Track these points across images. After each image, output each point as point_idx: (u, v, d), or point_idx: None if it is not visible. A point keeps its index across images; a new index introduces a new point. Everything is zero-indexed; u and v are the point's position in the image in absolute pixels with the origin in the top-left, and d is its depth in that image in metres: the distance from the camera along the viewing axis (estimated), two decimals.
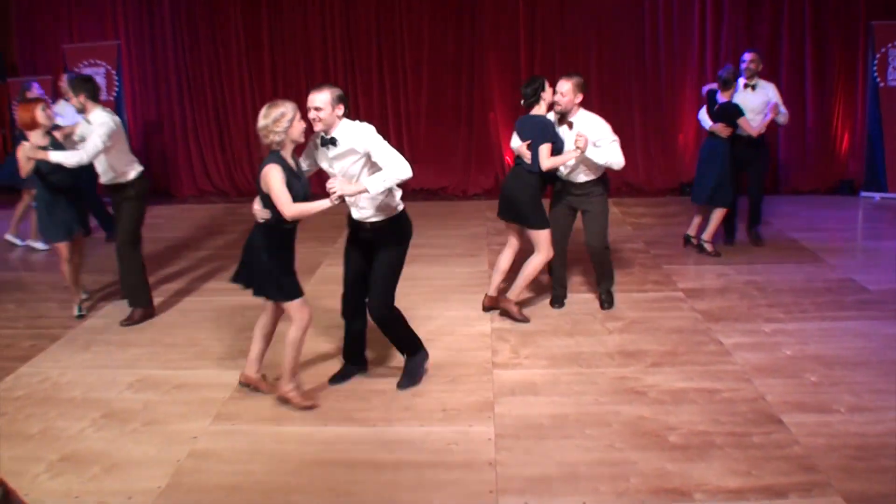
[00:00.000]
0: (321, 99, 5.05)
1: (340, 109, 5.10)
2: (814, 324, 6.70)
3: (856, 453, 4.65)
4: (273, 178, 4.92)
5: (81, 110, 6.95)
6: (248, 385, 5.66)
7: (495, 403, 5.42)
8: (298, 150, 5.28)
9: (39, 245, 9.91)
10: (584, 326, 6.79)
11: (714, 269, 8.25)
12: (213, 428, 5.20)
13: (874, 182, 11.65)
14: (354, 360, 5.92)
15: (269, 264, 5.16)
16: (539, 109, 6.69)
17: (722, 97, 8.32)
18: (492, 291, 7.17)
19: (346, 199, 5.08)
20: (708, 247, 8.77)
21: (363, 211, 5.33)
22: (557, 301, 7.28)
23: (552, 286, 7.32)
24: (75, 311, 7.38)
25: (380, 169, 5.03)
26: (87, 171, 7.04)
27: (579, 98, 6.64)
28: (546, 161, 6.54)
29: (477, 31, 12.53)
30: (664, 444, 4.82)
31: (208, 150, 13.33)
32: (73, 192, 7.17)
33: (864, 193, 11.75)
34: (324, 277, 8.23)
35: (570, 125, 6.68)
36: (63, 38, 13.28)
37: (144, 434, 5.16)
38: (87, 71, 12.68)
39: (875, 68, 11.49)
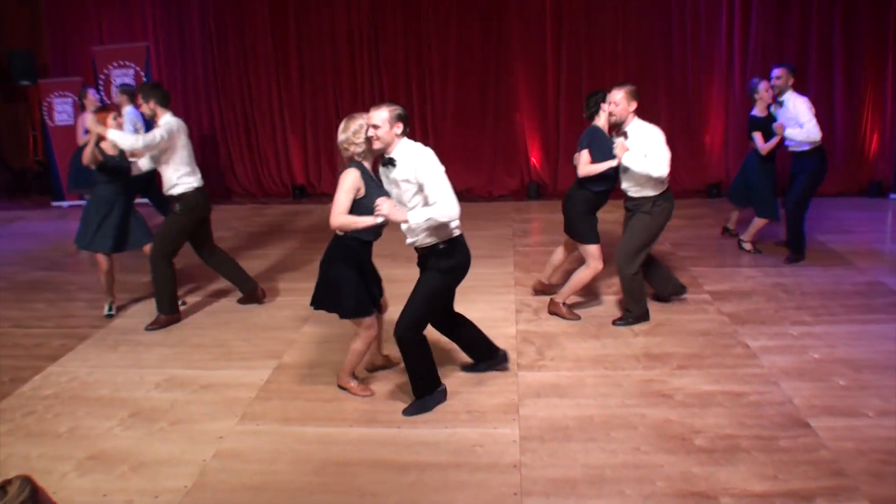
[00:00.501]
0: (379, 116, 4.99)
1: (399, 128, 5.02)
2: (842, 327, 6.64)
3: (885, 458, 4.60)
4: (347, 179, 5.04)
5: (152, 117, 6.99)
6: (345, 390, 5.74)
7: (520, 405, 5.41)
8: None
9: None
10: (610, 329, 6.76)
11: (741, 271, 8.20)
12: (239, 428, 5.23)
13: None
14: (482, 357, 5.93)
15: (334, 280, 5.24)
16: (599, 121, 6.71)
17: (754, 110, 8.33)
18: (544, 278, 7.52)
19: (403, 226, 5.10)
20: (747, 246, 8.82)
21: (410, 235, 5.20)
22: (662, 299, 7.29)
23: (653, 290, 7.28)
24: (105, 311, 7.46)
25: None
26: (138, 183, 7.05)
27: (633, 106, 6.48)
28: (582, 168, 6.56)
29: (503, 32, 12.52)
30: (690, 448, 4.80)
31: (236, 150, 13.41)
32: (125, 205, 7.22)
33: (893, 195, 11.65)
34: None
35: (625, 135, 6.52)
36: (93, 40, 13.44)
37: (171, 433, 5.20)
38: (116, 73, 12.82)
39: None
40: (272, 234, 10.61)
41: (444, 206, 4.92)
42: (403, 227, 5.13)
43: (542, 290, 7.60)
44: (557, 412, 5.29)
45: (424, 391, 5.43)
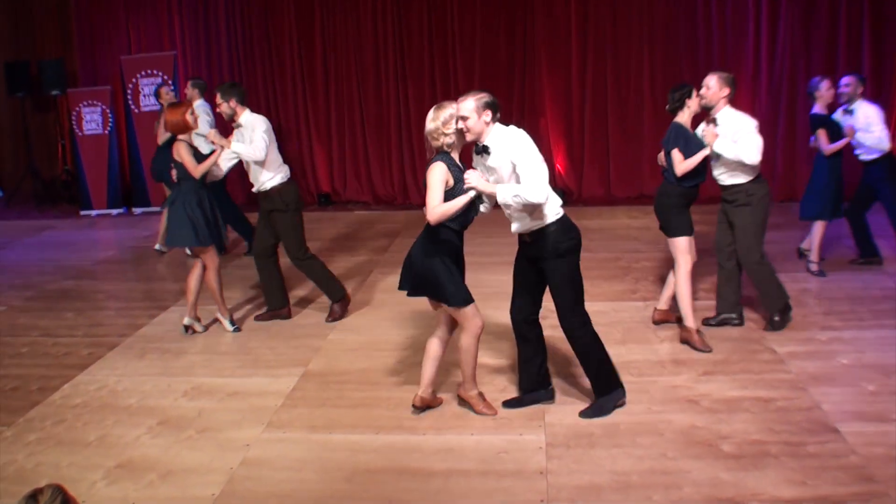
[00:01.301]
0: (466, 108, 4.90)
1: (488, 115, 4.92)
2: (871, 332, 6.58)
3: None
4: (435, 173, 4.91)
5: (232, 115, 7.03)
6: (423, 407, 5.48)
7: (546, 412, 5.40)
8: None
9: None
10: (636, 335, 6.74)
11: None
12: (266, 436, 5.26)
13: None
14: (529, 386, 5.58)
15: (432, 265, 5.07)
16: (682, 117, 6.52)
17: (815, 108, 8.14)
18: (661, 305, 7.02)
19: (505, 211, 5.07)
20: (813, 268, 8.31)
21: (515, 223, 5.14)
22: (718, 322, 6.89)
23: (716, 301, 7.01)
24: (228, 326, 7.29)
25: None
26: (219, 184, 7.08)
27: (725, 91, 6.39)
28: (679, 166, 6.40)
29: (528, 38, 12.52)
30: (718, 453, 4.77)
31: None
32: (212, 203, 7.15)
33: None
34: (373, 285, 8.27)
35: (714, 122, 6.45)
36: (122, 49, 13.61)
37: (199, 441, 5.23)
38: (144, 82, 12.96)
39: None
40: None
41: (532, 186, 4.82)
42: (507, 212, 5.08)
43: (662, 319, 6.99)
44: (583, 419, 5.27)
45: (603, 389, 5.37)
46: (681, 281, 6.53)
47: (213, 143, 6.99)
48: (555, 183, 12.71)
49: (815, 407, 5.28)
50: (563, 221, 5.10)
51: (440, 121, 4.95)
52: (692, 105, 6.48)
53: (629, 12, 12.17)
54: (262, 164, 7.02)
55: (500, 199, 4.91)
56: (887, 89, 11.75)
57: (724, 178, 6.55)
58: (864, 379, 5.68)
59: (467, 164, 5.13)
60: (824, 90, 8.03)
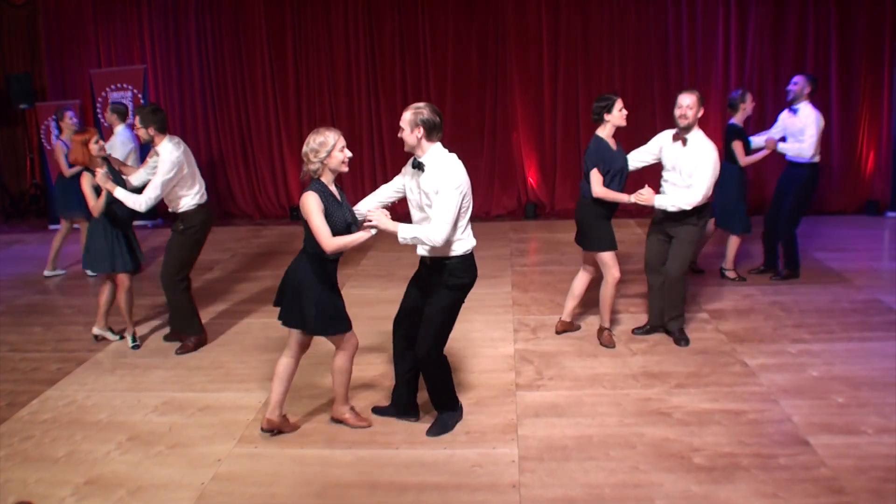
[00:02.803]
0: (403, 118, 4.99)
1: (420, 132, 4.95)
2: (840, 345, 6.65)
3: (884, 475, 4.60)
4: (310, 206, 4.84)
5: (149, 141, 6.85)
6: (272, 430, 5.41)
7: (519, 425, 5.40)
8: (395, 169, 5.14)
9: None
10: (608, 348, 6.76)
11: (739, 289, 8.20)
12: (238, 451, 5.22)
13: None
14: (400, 405, 5.61)
15: (318, 298, 5.03)
16: (602, 130, 6.53)
17: (733, 119, 8.25)
18: (565, 316, 7.15)
19: None
20: (730, 274, 8.62)
21: (422, 247, 5.12)
22: (643, 330, 7.10)
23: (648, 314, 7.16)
24: (130, 342, 7.27)
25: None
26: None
27: (701, 112, 6.48)
28: (597, 188, 6.47)
29: (500, 52, 12.58)
30: (689, 466, 4.79)
31: (233, 172, 13.42)
32: (129, 224, 7.12)
33: (890, 213, 11.69)
34: (345, 299, 8.24)
35: (684, 141, 6.50)
36: (91, 62, 13.51)
37: (169, 457, 5.18)
38: (114, 95, 12.86)
39: None
40: (270, 256, 10.60)
41: (435, 229, 4.87)
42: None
43: (564, 329, 7.20)
44: (556, 432, 5.28)
45: (446, 408, 5.41)
46: (609, 291, 6.80)
47: (99, 184, 6.82)
48: (527, 197, 12.78)
49: (786, 419, 5.32)
50: (466, 259, 5.13)
51: (310, 147, 4.93)
52: (612, 119, 6.48)
53: (600, 27, 12.27)
54: (178, 187, 6.89)
55: (400, 239, 4.94)
56: (854, 103, 11.91)
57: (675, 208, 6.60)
58: (834, 391, 5.73)
59: (392, 169, 5.16)
60: (748, 103, 8.22)
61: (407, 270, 5.34)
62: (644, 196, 6.39)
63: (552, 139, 12.64)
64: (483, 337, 7.09)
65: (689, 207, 6.40)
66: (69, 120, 9.58)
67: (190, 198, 6.94)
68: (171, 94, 13.37)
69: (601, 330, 6.92)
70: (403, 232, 4.91)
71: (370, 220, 4.92)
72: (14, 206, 14.18)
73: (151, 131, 6.77)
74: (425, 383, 5.39)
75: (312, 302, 5.01)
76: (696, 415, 5.45)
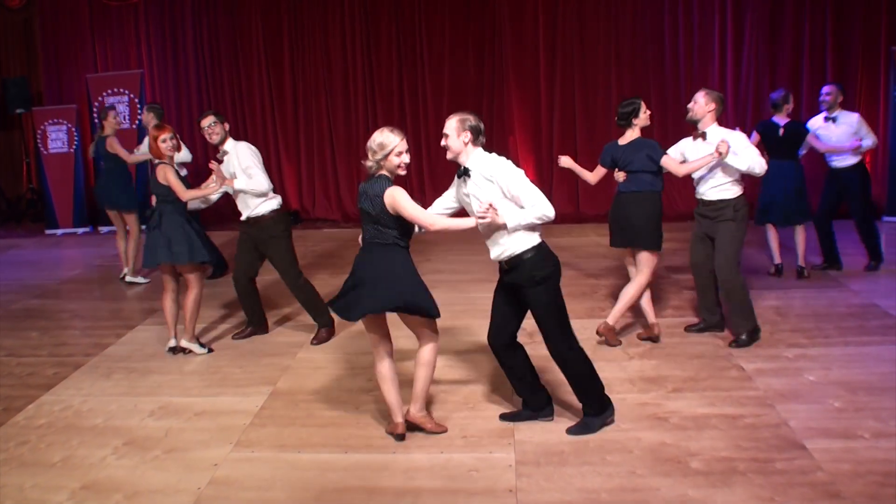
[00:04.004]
0: (449, 125, 5.05)
1: (467, 136, 5.02)
2: (837, 349, 6.64)
3: (881, 480, 4.59)
4: (402, 197, 4.88)
5: (222, 141, 7.10)
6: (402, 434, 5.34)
7: (515, 430, 5.39)
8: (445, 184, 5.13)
9: (140, 279, 9.72)
10: (605, 352, 6.75)
11: None
12: (234, 455, 5.21)
13: None
14: (528, 402, 5.55)
15: (412, 281, 5.05)
16: (631, 133, 6.69)
17: (778, 118, 8.46)
18: (612, 320, 6.97)
19: (485, 238, 5.09)
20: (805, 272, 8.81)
21: (493, 249, 5.12)
22: (697, 328, 7.16)
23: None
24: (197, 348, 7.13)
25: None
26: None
27: (712, 107, 6.57)
28: (681, 167, 6.59)
29: (497, 56, 12.61)
30: (686, 471, 4.79)
31: None
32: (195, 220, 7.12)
33: (886, 218, 11.69)
34: None
35: (704, 136, 6.60)
36: (88, 67, 13.54)
37: (166, 462, 5.17)
38: (110, 100, 12.86)
39: None
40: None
41: (535, 206, 4.88)
42: (486, 239, 5.11)
43: (607, 333, 6.94)
44: (553, 436, 5.28)
45: (593, 410, 5.35)
46: (637, 291, 6.77)
47: (217, 179, 6.88)
48: None
49: (783, 424, 5.31)
50: (540, 249, 5.07)
51: (373, 143, 4.99)
52: (639, 121, 6.66)
53: (597, 31, 12.31)
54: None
55: (510, 227, 4.89)
56: (851, 108, 11.87)
57: (713, 193, 6.66)
58: (831, 396, 5.73)
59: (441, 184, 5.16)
60: (790, 103, 8.51)
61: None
62: (721, 149, 6.39)
63: (549, 143, 12.67)
64: (480, 340, 7.06)
65: (758, 169, 6.50)
66: (112, 119, 9.73)
67: (267, 202, 7.26)
68: (167, 99, 13.39)
69: (609, 328, 6.85)
70: (511, 221, 4.88)
71: (483, 211, 4.86)
72: (10, 211, 14.18)
73: (226, 127, 7.16)
74: (571, 386, 5.37)
75: (408, 283, 5.02)
76: (693, 419, 5.45)
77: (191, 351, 7.06)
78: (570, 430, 5.31)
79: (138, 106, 12.81)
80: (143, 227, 7.62)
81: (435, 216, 5.02)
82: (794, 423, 5.30)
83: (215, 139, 7.07)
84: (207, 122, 7.06)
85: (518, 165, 4.99)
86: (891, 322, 7.20)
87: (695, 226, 6.96)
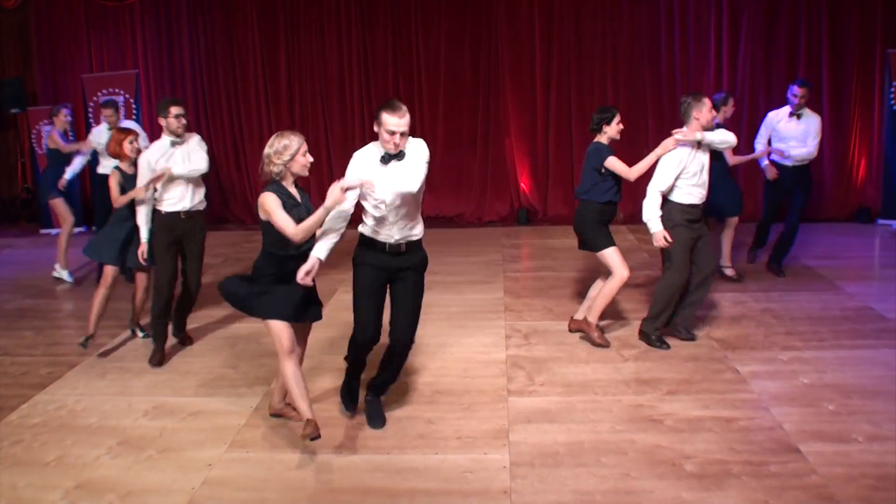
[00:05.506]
0: (406, 123, 5.07)
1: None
2: (831, 352, 6.65)
3: (875, 483, 4.60)
4: (270, 203, 4.90)
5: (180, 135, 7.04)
6: (278, 416, 5.62)
7: (510, 431, 5.40)
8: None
9: (65, 275, 9.84)
10: (600, 354, 6.76)
11: (730, 296, 8.21)
12: (229, 455, 5.20)
13: (891, 210, 11.64)
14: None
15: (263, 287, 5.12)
16: (600, 139, 6.77)
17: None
18: (579, 315, 7.22)
19: (389, 219, 5.06)
20: (728, 272, 8.85)
21: (396, 232, 5.11)
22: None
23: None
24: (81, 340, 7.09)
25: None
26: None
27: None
28: (629, 170, 6.63)
29: (493, 58, 12.62)
30: (680, 473, 4.79)
31: (225, 177, 13.42)
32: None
33: (881, 221, 11.72)
34: (338, 304, 8.23)
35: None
36: (83, 67, 13.50)
37: (160, 461, 5.16)
38: (105, 100, 12.83)
39: (892, 96, 11.51)
40: None
41: (413, 178, 4.98)
42: (393, 220, 5.08)
43: (577, 328, 7.19)
44: (548, 438, 5.28)
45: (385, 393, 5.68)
46: (612, 287, 6.80)
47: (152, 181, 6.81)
48: (520, 203, 12.80)
49: (777, 426, 5.32)
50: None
51: (273, 149, 4.99)
52: (609, 131, 6.75)
53: (593, 33, 12.31)
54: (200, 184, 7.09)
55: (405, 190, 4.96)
56: (846, 110, 11.95)
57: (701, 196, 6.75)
58: (825, 399, 5.74)
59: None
60: (729, 106, 8.59)
61: None
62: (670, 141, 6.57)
63: (545, 145, 12.67)
64: (475, 342, 7.08)
65: (731, 139, 6.76)
66: (63, 117, 9.87)
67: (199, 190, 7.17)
68: (163, 99, 13.33)
69: (588, 324, 6.94)
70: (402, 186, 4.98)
71: (352, 183, 4.94)
72: (5, 211, 14.15)
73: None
74: (391, 375, 5.55)
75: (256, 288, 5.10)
76: (688, 422, 5.45)
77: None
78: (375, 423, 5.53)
79: (134, 106, 12.80)
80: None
81: (293, 227, 4.86)
82: (789, 426, 5.31)
83: (180, 130, 6.99)
84: (181, 109, 7.09)
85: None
86: (885, 325, 7.21)
87: (683, 234, 6.70)
